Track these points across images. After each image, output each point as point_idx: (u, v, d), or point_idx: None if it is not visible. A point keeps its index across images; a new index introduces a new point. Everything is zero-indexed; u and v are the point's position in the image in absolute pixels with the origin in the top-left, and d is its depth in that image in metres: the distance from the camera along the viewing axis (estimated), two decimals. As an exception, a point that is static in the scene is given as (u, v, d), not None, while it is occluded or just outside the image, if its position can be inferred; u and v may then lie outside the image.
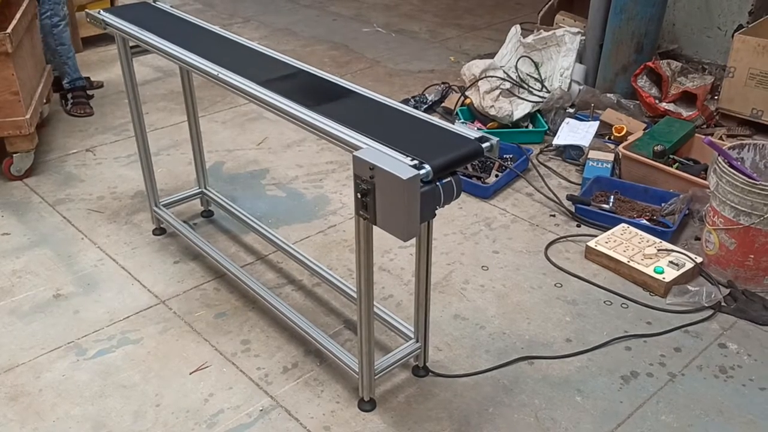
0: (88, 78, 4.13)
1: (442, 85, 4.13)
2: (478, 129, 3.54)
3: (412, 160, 1.60)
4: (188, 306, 2.49)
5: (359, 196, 1.64)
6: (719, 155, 2.53)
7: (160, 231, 2.89)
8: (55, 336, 2.36)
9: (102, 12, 2.57)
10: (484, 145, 1.71)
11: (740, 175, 2.42)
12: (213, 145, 3.60)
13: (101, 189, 3.21)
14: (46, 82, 3.62)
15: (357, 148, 1.68)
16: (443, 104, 3.99)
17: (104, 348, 2.31)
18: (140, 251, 2.78)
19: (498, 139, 1.75)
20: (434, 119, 1.86)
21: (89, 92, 4.02)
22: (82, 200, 3.13)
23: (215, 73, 2.10)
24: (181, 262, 2.72)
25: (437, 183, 1.61)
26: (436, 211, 1.67)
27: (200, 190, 2.99)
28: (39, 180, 3.28)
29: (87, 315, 2.45)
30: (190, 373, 2.21)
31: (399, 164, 1.58)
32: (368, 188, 1.61)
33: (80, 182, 3.27)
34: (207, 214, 3.03)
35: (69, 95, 3.82)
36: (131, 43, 2.50)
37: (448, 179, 1.64)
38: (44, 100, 3.58)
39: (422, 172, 1.57)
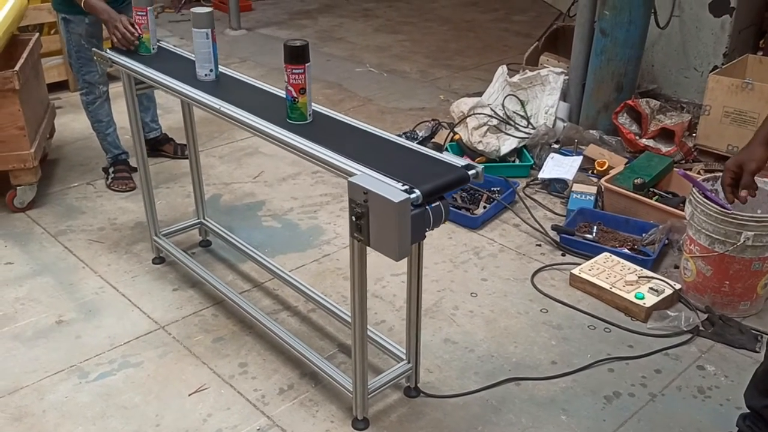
0: (173, 140, 3.92)
1: (432, 122, 4.27)
2: (467, 163, 3.66)
3: (403, 185, 1.72)
4: (187, 331, 2.57)
5: (354, 219, 1.76)
6: (693, 186, 2.66)
7: (159, 260, 2.98)
8: (57, 360, 2.43)
9: (108, 51, 2.71)
10: (470, 173, 1.84)
11: (714, 204, 2.55)
12: (211, 179, 3.71)
13: (102, 220, 3.31)
14: (50, 118, 3.75)
15: (351, 174, 1.80)
16: (433, 140, 4.12)
17: (105, 371, 2.38)
18: (140, 279, 2.87)
19: (483, 166, 1.88)
20: (424, 149, 1.98)
21: (179, 157, 3.87)
22: (83, 231, 3.22)
23: (217, 106, 2.23)
24: (180, 290, 2.80)
25: (426, 206, 1.73)
26: (426, 234, 1.78)
27: (199, 220, 3.09)
28: (41, 212, 3.37)
29: (88, 340, 2.53)
30: (189, 395, 2.28)
31: (391, 189, 1.70)
32: (362, 212, 1.72)
33: (81, 214, 3.36)
34: (205, 244, 3.12)
35: (111, 169, 3.62)
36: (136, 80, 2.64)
37: (437, 203, 1.75)
38: (47, 135, 3.70)
39: (413, 196, 1.69)
